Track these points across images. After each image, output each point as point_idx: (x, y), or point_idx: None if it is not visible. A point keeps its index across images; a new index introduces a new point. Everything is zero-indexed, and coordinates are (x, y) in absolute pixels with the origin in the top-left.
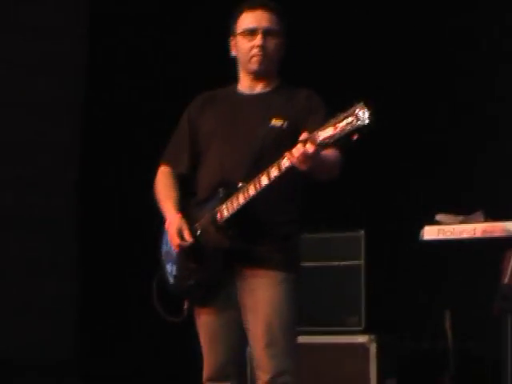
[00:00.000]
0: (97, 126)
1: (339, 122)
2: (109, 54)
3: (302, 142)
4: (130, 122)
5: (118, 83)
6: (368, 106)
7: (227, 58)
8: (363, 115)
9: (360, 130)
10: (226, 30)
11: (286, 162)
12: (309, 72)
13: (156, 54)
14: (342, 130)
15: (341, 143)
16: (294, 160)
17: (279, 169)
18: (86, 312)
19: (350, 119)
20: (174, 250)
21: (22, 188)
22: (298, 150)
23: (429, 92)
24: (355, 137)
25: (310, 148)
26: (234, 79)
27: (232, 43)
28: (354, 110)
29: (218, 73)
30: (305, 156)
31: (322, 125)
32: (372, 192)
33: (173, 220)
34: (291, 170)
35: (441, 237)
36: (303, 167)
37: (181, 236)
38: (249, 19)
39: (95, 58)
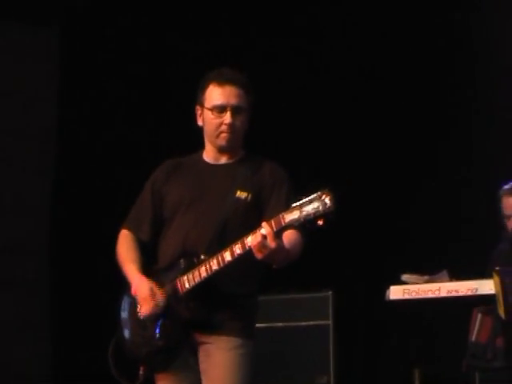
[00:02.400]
0: (66, 188)
1: (305, 205)
2: (77, 118)
3: (264, 229)
4: (99, 185)
5: (85, 153)
6: (333, 192)
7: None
8: (329, 202)
9: (325, 215)
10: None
11: (249, 241)
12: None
13: (121, 120)
14: (308, 214)
15: (306, 227)
16: (253, 247)
17: (243, 247)
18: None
19: (316, 204)
20: (141, 312)
21: None
22: (256, 240)
23: (394, 163)
24: (321, 221)
25: (269, 237)
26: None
27: (198, 113)
28: (321, 196)
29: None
30: (260, 247)
31: (286, 200)
32: (339, 254)
33: (140, 284)
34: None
35: (406, 297)
36: (259, 256)
37: (153, 295)
38: (217, 95)
39: (64, 124)
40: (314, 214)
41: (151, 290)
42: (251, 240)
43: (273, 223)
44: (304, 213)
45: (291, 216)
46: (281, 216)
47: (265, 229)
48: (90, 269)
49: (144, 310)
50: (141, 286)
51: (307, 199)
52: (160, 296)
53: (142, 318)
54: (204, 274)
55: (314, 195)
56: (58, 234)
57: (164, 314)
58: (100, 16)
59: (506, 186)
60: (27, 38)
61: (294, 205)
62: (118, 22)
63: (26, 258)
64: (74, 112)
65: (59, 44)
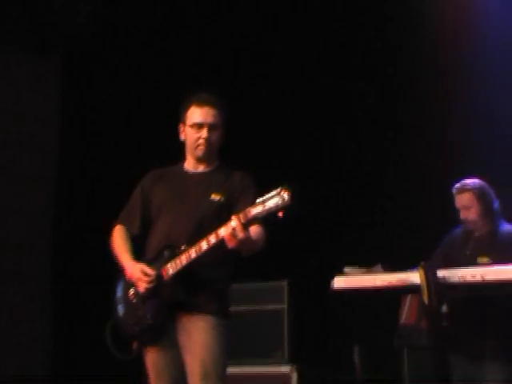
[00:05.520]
0: (68, 189)
1: (267, 201)
2: (77, 136)
3: (233, 222)
4: (96, 187)
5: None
6: (290, 189)
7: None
8: (287, 197)
9: (284, 208)
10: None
11: (222, 232)
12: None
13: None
14: (270, 208)
15: (268, 219)
16: (225, 236)
17: (217, 237)
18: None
19: (276, 199)
20: (140, 290)
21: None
22: (228, 230)
23: (339, 167)
24: (280, 214)
25: (239, 234)
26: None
27: (181, 129)
28: (279, 192)
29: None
30: (232, 236)
31: (252, 202)
32: (294, 249)
33: (132, 267)
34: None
35: (348, 286)
36: (230, 245)
37: (145, 274)
38: (197, 114)
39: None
40: (275, 207)
41: (142, 270)
42: (224, 231)
43: (241, 216)
44: (266, 207)
45: (255, 210)
46: (247, 210)
47: (234, 221)
48: (90, 266)
49: (141, 287)
50: (134, 270)
51: (268, 195)
52: (151, 272)
53: (140, 294)
54: (184, 262)
55: (274, 192)
56: (60, 233)
57: (153, 297)
58: (98, 45)
59: (456, 185)
60: (32, 65)
61: (257, 200)
62: (115, 50)
63: (29, 254)
64: (73, 130)
65: (62, 70)
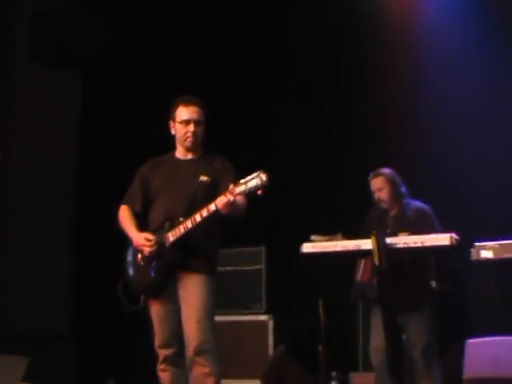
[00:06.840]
0: (85, 174)
1: (249, 181)
2: (95, 136)
3: (224, 194)
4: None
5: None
6: (267, 172)
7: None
8: (264, 178)
9: (262, 187)
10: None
11: (213, 207)
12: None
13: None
14: (250, 187)
15: (250, 196)
16: (219, 206)
17: (208, 211)
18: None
19: (256, 180)
20: (145, 253)
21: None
22: (222, 200)
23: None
24: (259, 192)
25: (230, 198)
26: (173, 147)
27: (171, 125)
28: (259, 174)
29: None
30: (226, 204)
31: (233, 181)
32: (269, 221)
33: (137, 236)
34: (216, 212)
35: (314, 250)
36: (225, 211)
37: (147, 240)
38: (184, 112)
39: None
40: (255, 187)
41: (145, 237)
42: (218, 201)
43: (228, 194)
44: (248, 186)
45: (239, 189)
46: (233, 189)
47: (222, 197)
48: (105, 237)
49: (146, 251)
50: (138, 238)
51: (250, 177)
52: (152, 237)
53: (146, 255)
54: (182, 231)
55: (255, 174)
56: (80, 213)
57: (155, 259)
58: (114, 59)
59: (372, 172)
60: (57, 75)
61: (241, 181)
62: (123, 64)
63: (54, 229)
64: (90, 128)
65: (81, 80)
